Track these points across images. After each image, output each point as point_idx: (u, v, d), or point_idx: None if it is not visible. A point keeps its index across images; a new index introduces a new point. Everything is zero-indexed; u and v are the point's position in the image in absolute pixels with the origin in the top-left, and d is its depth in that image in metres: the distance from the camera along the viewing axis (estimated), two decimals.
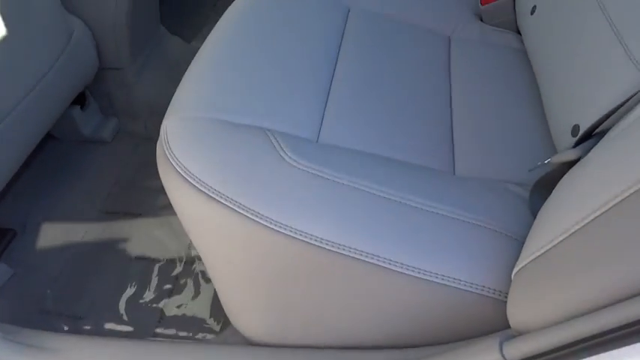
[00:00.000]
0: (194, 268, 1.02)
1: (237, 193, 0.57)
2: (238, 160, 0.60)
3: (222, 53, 0.76)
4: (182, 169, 0.60)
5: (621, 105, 0.58)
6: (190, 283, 1.00)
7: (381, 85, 0.80)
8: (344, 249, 0.55)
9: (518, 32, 0.98)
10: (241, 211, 0.57)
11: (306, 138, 0.67)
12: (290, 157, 0.60)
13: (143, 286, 1.00)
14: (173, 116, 0.66)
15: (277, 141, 0.63)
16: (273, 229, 0.56)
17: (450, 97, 0.83)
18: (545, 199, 0.59)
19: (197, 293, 0.98)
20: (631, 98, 0.57)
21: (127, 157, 1.23)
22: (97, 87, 1.23)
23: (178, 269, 1.02)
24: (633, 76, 0.57)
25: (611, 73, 0.59)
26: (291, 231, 0.56)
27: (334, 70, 0.81)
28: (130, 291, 0.99)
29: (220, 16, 0.91)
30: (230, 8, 0.92)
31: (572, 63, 0.69)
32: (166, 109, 0.73)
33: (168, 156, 0.61)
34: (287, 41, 0.82)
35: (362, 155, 0.67)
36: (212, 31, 0.86)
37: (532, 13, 0.91)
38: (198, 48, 0.81)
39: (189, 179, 0.59)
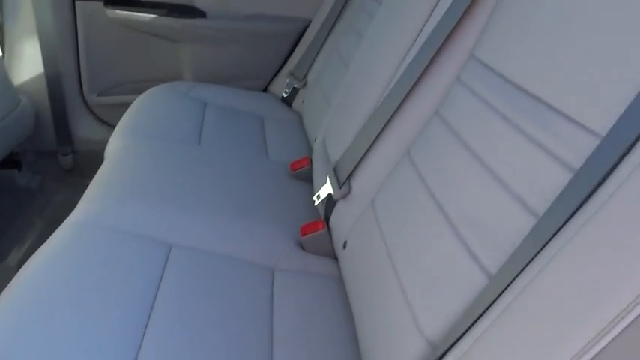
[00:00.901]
0: None
1: None
2: None
3: (18, 303, 0.69)
4: None
5: None
6: None
7: (198, 333, 0.77)
8: None
9: None
10: None
11: None
12: None
13: None
14: None
15: None
16: None
17: (272, 339, 0.82)
18: None
19: None
20: None
21: None
22: None
23: None
24: (420, 345, 0.61)
25: (402, 337, 0.64)
26: None
27: (148, 320, 0.76)
28: None
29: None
30: (44, 245, 0.86)
31: (370, 315, 0.74)
32: None
33: None
34: (97, 290, 0.77)
35: None
36: (18, 272, 0.78)
37: (344, 247, 0.99)
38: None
39: None
